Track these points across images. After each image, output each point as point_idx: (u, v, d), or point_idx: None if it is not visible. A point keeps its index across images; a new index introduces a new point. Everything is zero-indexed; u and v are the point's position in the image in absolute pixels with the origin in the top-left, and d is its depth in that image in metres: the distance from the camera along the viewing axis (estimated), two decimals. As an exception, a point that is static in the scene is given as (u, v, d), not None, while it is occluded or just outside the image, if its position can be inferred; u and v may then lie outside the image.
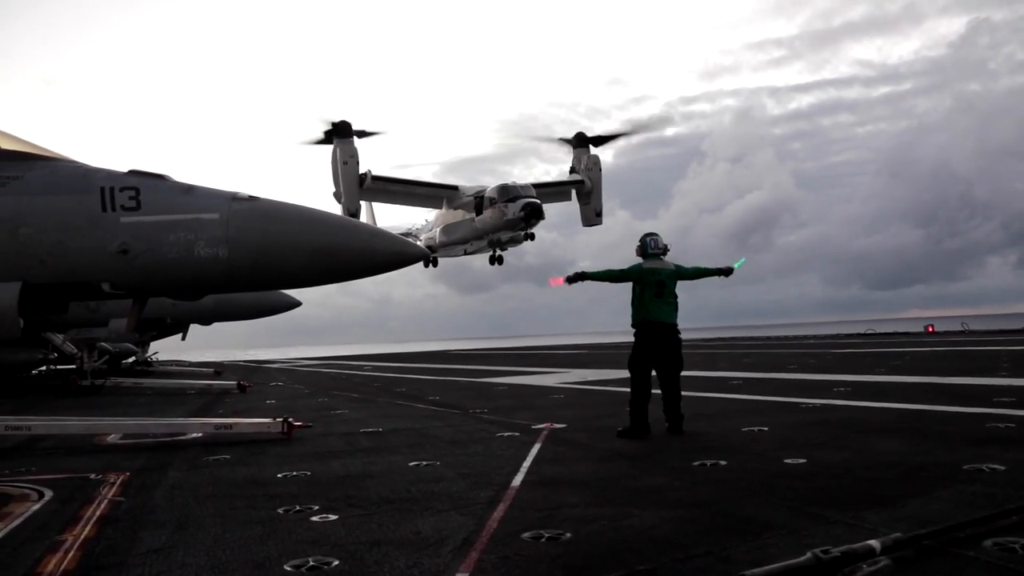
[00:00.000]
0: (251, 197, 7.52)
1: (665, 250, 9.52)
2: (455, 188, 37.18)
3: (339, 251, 7.44)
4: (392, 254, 7.72)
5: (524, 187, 33.89)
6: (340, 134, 32.02)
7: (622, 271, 9.42)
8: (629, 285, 9.38)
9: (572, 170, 37.54)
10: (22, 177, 7.53)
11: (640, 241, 9.59)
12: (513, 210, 32.73)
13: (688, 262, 9.80)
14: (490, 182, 36.30)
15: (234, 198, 7.47)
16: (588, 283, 9.58)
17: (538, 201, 32.92)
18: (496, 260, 39.91)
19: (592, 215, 36.86)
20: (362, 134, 32.61)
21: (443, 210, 38.20)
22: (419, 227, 43.55)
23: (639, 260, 9.46)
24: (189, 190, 7.57)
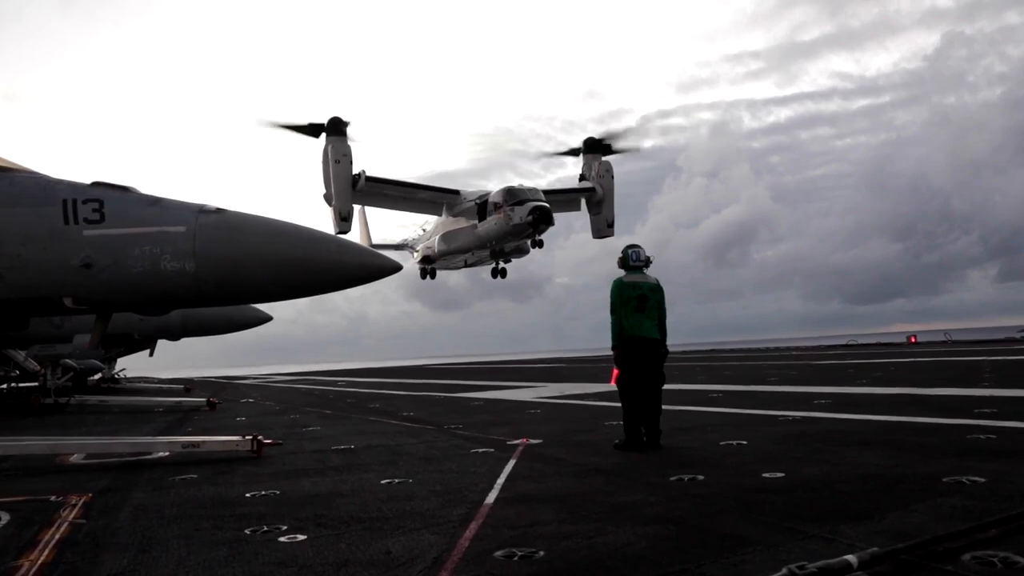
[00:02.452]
0: (218, 209, 7.40)
1: (648, 262, 9.45)
2: (456, 192, 34.88)
3: (308, 264, 7.33)
4: (362, 267, 7.61)
5: (532, 190, 31.70)
6: (332, 130, 29.89)
7: (612, 306, 9.22)
8: (607, 301, 9.28)
9: (582, 177, 35.18)
10: None
11: (622, 253, 9.52)
12: (520, 214, 30.47)
13: (666, 278, 9.71)
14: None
15: (201, 210, 7.34)
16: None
17: (547, 204, 30.79)
18: (499, 273, 37.40)
19: (604, 226, 34.54)
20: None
21: (443, 217, 35.91)
22: (415, 238, 41.20)
23: (620, 273, 9.38)
24: (155, 202, 7.43)
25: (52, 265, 7.22)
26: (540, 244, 33.15)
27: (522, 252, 35.18)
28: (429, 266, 39.19)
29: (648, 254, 9.50)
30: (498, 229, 31.84)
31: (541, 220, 30.44)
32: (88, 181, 7.60)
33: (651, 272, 9.53)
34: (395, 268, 8.11)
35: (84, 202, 7.27)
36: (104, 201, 7.32)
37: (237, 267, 7.28)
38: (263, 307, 26.54)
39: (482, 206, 32.66)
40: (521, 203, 30.74)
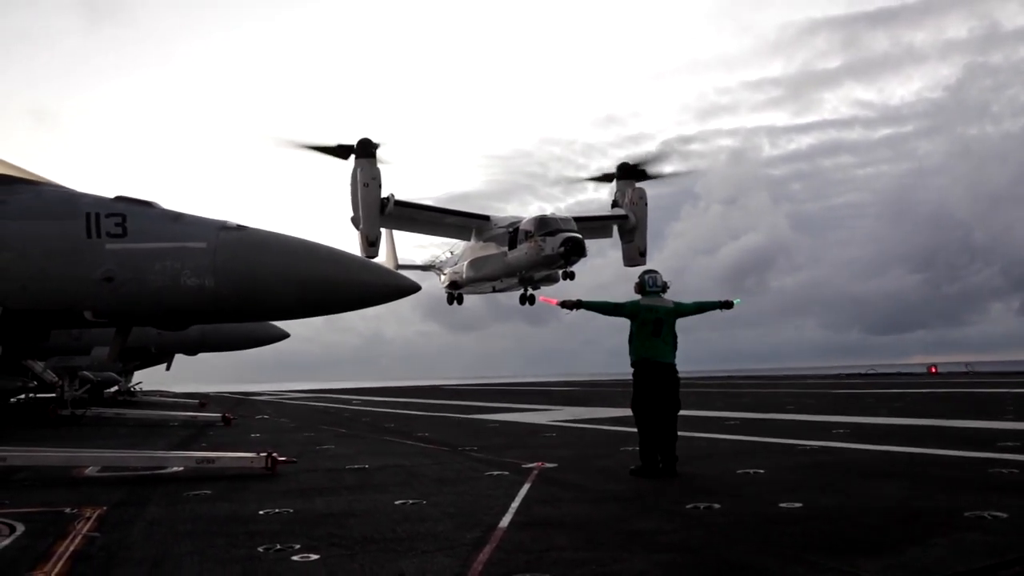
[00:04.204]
0: (239, 226, 7.44)
1: (664, 287, 9.42)
2: (486, 218, 34.21)
3: (328, 283, 7.34)
4: (382, 287, 7.62)
5: (564, 219, 30.76)
6: (361, 153, 29.09)
7: (617, 304, 9.31)
8: (627, 324, 9.26)
9: (614, 204, 34.22)
10: (5, 201, 7.43)
11: (639, 278, 9.50)
12: (552, 245, 29.49)
13: (686, 300, 9.68)
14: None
15: (222, 227, 7.39)
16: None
17: (580, 235, 29.74)
18: (527, 300, 36.07)
19: (636, 254, 33.20)
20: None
21: (471, 242, 35.19)
22: (443, 260, 40.30)
23: (637, 297, 9.36)
24: (177, 218, 7.48)
25: (74, 278, 7.27)
26: (571, 276, 32.39)
27: (552, 280, 34.02)
28: (456, 291, 38.66)
29: (665, 279, 9.47)
30: (528, 258, 31.07)
31: (573, 252, 29.61)
32: (112, 196, 7.68)
33: (669, 297, 9.49)
34: (414, 288, 8.10)
35: (107, 216, 7.34)
36: (127, 216, 7.38)
37: (257, 284, 7.29)
38: (280, 324, 26.60)
39: (513, 234, 31.86)
40: (553, 233, 29.88)
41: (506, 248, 32.31)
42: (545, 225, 30.35)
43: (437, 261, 41.17)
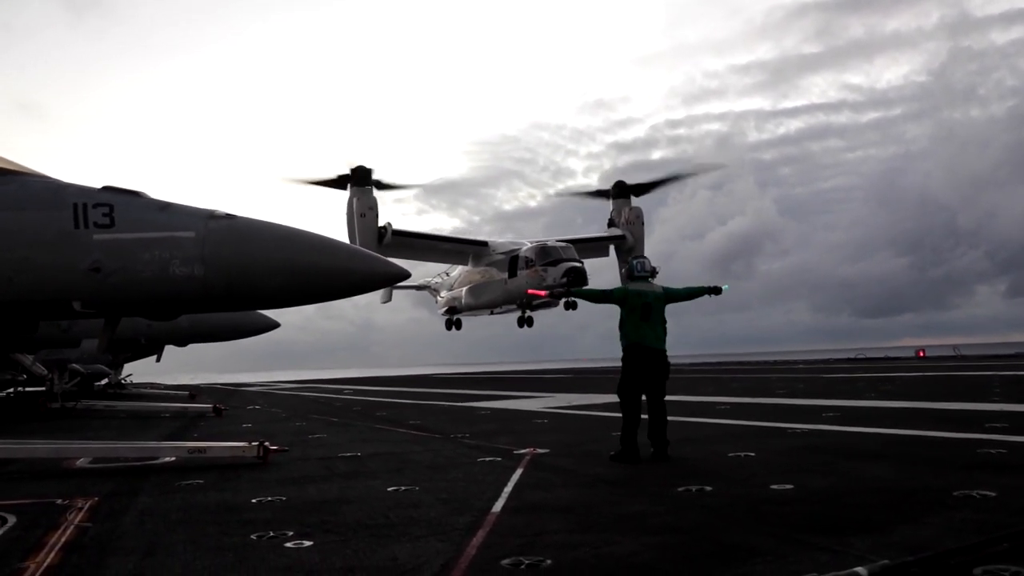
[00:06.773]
0: (228, 215, 7.42)
1: (653, 273, 9.44)
2: (484, 244, 34.50)
3: (317, 270, 7.34)
4: (371, 274, 7.62)
5: (565, 248, 30.92)
6: (358, 181, 29.06)
7: (604, 291, 9.35)
8: (617, 309, 9.28)
9: (611, 223, 34.58)
10: None
11: (627, 264, 9.55)
12: (554, 275, 29.70)
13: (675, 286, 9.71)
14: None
15: (211, 216, 7.36)
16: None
17: (581, 264, 29.99)
18: (525, 322, 36.09)
19: None
20: (381, 185, 29.14)
21: (468, 267, 35.51)
22: (438, 281, 40.57)
23: (627, 283, 9.39)
24: (165, 207, 7.45)
25: (61, 269, 7.23)
26: (574, 306, 32.23)
27: (551, 305, 34.21)
28: (454, 316, 38.71)
29: (654, 264, 9.49)
30: (529, 287, 30.37)
31: (576, 282, 29.46)
32: (98, 186, 7.63)
33: (658, 283, 9.52)
34: (404, 275, 8.12)
35: (94, 206, 7.30)
36: (114, 206, 7.34)
37: (246, 272, 7.28)
38: (271, 313, 26.51)
39: (512, 260, 31.85)
40: (555, 263, 29.88)
41: (505, 275, 32.43)
42: (546, 255, 30.48)
43: (432, 283, 41.32)
